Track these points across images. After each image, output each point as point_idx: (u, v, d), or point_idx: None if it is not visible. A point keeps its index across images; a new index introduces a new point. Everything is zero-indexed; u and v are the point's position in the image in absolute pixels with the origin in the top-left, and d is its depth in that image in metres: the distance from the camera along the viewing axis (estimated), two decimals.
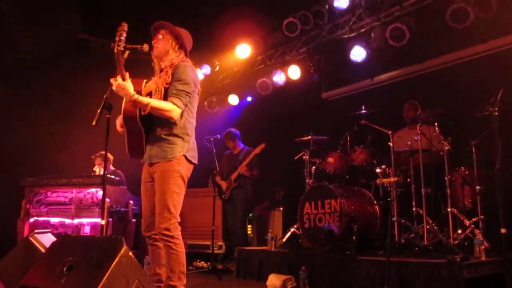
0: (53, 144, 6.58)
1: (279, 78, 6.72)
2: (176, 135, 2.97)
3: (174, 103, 2.88)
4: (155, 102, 2.86)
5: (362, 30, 5.81)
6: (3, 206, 5.79)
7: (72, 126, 6.39)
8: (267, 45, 6.80)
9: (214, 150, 5.70)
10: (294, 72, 6.55)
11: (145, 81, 3.06)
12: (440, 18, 4.84)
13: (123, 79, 2.77)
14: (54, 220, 5.31)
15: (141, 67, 3.03)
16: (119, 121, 3.05)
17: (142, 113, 2.85)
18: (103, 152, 6.21)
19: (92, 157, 6.16)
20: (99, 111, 2.75)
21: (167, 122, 2.94)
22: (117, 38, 2.77)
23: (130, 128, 2.94)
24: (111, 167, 6.37)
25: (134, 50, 2.89)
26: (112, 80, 2.79)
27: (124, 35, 2.79)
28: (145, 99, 2.82)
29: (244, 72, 7.37)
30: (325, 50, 6.43)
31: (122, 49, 2.78)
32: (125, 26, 2.81)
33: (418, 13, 5.23)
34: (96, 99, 2.88)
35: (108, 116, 2.79)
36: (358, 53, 5.74)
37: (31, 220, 5.32)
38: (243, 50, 6.77)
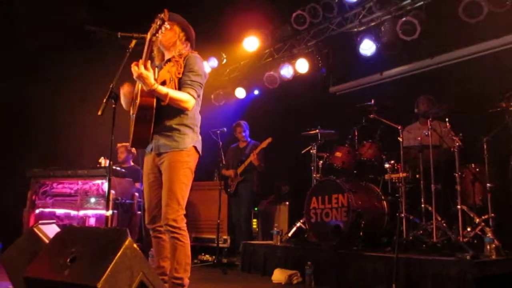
0: (60, 135, 6.59)
1: (286, 71, 6.67)
2: (187, 126, 2.93)
3: (190, 94, 2.84)
4: (174, 93, 2.80)
5: (372, 24, 5.74)
6: (9, 197, 5.81)
7: (78, 116, 6.38)
8: (275, 38, 6.75)
9: (221, 143, 5.67)
10: (302, 65, 6.49)
11: (156, 69, 2.98)
12: (452, 12, 4.76)
13: (145, 68, 2.69)
14: (59, 211, 5.32)
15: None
16: (123, 91, 2.96)
17: (162, 103, 2.79)
18: (126, 144, 6.27)
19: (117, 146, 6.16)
20: (104, 100, 2.68)
21: (178, 112, 2.89)
22: (157, 26, 2.66)
23: (141, 116, 2.85)
24: (131, 163, 6.34)
25: (141, 40, 2.82)
26: (133, 66, 2.71)
27: (166, 24, 2.67)
28: (163, 89, 2.76)
29: (252, 65, 7.33)
30: (333, 44, 6.37)
31: (158, 36, 2.69)
32: (166, 14, 2.67)
33: (429, 7, 5.16)
34: (102, 89, 2.81)
35: (114, 106, 2.73)
36: (367, 47, 5.68)
37: (37, 211, 5.33)
38: (251, 43, 6.72)
